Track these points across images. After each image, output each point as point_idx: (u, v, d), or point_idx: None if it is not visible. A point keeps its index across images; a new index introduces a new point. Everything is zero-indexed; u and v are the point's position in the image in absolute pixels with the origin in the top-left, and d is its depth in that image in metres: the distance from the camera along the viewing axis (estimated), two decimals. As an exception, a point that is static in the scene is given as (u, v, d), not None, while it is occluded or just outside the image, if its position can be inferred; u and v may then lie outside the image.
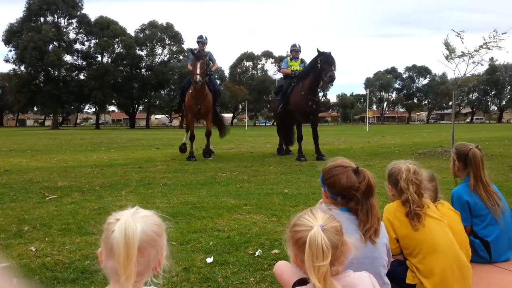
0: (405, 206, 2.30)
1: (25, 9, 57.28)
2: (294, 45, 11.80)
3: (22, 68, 57.89)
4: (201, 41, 11.35)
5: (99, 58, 63.84)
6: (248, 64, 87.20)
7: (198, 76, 10.02)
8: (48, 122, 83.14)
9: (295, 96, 10.82)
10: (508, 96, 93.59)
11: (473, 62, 11.16)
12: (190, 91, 10.71)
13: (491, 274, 2.65)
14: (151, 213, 1.35)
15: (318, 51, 10.30)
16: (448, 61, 11.16)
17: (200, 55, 10.42)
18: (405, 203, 2.30)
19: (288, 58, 11.90)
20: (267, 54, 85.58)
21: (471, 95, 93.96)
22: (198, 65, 10.08)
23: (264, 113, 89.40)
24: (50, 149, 15.66)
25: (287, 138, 12.40)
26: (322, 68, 10.02)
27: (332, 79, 9.88)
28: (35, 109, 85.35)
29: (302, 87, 10.56)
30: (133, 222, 1.26)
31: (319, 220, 1.48)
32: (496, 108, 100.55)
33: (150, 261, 1.31)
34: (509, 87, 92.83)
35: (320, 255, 1.39)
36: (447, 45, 10.91)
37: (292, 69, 11.46)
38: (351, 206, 1.93)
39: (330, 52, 10.08)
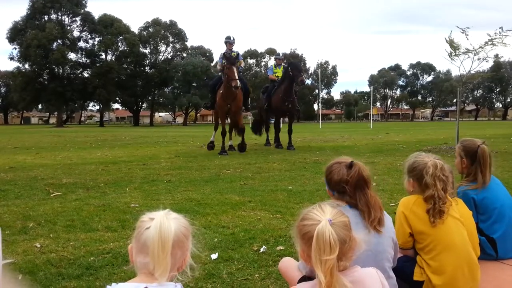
0: (428, 202, 2.22)
1: (29, 7, 57.49)
2: (278, 54, 14.95)
3: (27, 66, 58.18)
4: (229, 41, 11.76)
5: (103, 56, 64.07)
6: (251, 61, 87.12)
7: (238, 82, 10.49)
8: (52, 120, 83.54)
9: (275, 97, 13.05)
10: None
11: (478, 59, 11.10)
12: (221, 91, 11.05)
13: (499, 271, 2.62)
14: (180, 216, 1.45)
15: (287, 62, 13.11)
16: (452, 59, 11.11)
17: (234, 59, 10.77)
18: (429, 199, 2.22)
19: (273, 65, 14.24)
20: (271, 52, 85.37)
21: (475, 92, 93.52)
22: (234, 69, 10.53)
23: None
24: (55, 147, 15.72)
25: (259, 129, 14.97)
26: (293, 74, 12.34)
27: (303, 82, 12.33)
28: (40, 107, 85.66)
29: (280, 90, 12.80)
30: (167, 220, 1.36)
31: (327, 214, 1.48)
32: (500, 105, 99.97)
33: (176, 260, 1.40)
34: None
35: (327, 248, 1.38)
36: (450, 42, 10.84)
37: (276, 75, 13.74)
38: (347, 200, 1.97)
39: (298, 61, 12.30)
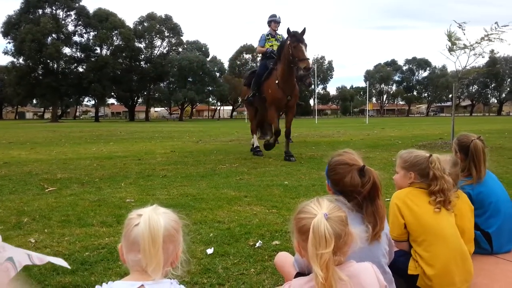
0: (435, 195, 2.24)
1: (23, 1, 56.94)
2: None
3: (21, 60, 57.77)
4: (275, 19, 9.70)
5: (98, 51, 63.70)
6: (247, 56, 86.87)
7: (310, 62, 8.27)
8: (47, 115, 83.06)
9: None
10: (508, 89, 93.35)
11: (474, 54, 11.13)
12: (277, 81, 8.72)
13: (493, 265, 2.64)
14: (169, 210, 1.43)
15: None
16: (450, 54, 11.13)
17: (301, 35, 8.30)
18: (440, 192, 2.23)
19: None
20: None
21: (471, 88, 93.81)
22: (303, 48, 8.16)
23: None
24: (50, 142, 15.64)
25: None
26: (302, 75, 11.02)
27: (310, 84, 10.09)
28: (34, 101, 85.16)
29: None
30: (156, 215, 1.34)
31: (324, 208, 1.48)
32: (495, 101, 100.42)
33: (169, 255, 1.37)
34: (509, 80, 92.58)
35: (323, 242, 1.39)
36: (450, 36, 10.85)
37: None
38: (351, 206, 1.84)
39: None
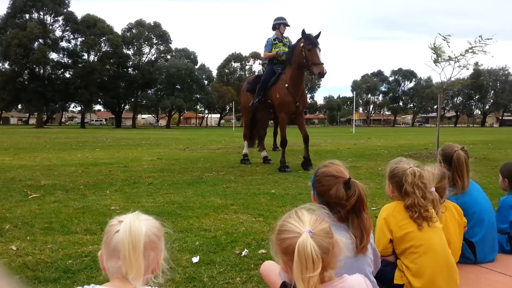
0: (410, 210, 2.23)
1: (9, 5, 56.33)
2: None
3: (6, 65, 57.01)
4: (284, 22, 9.28)
5: (86, 57, 63.12)
6: (236, 65, 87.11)
7: (324, 68, 7.97)
8: (32, 121, 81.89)
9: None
10: (492, 101, 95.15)
11: (459, 66, 11.33)
12: (287, 85, 8.46)
13: (477, 275, 2.66)
14: (151, 217, 1.40)
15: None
16: (436, 65, 11.31)
17: (315, 39, 8.06)
18: (412, 207, 2.23)
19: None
20: (255, 55, 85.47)
21: (455, 99, 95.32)
22: (318, 52, 7.97)
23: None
24: (34, 148, 15.42)
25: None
26: None
27: None
28: (19, 107, 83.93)
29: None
30: (137, 221, 1.31)
31: (306, 224, 1.37)
32: (479, 112, 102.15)
33: (150, 262, 1.34)
34: (492, 92, 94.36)
35: (310, 265, 1.29)
36: (434, 49, 11.02)
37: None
38: (335, 219, 1.82)
39: None
